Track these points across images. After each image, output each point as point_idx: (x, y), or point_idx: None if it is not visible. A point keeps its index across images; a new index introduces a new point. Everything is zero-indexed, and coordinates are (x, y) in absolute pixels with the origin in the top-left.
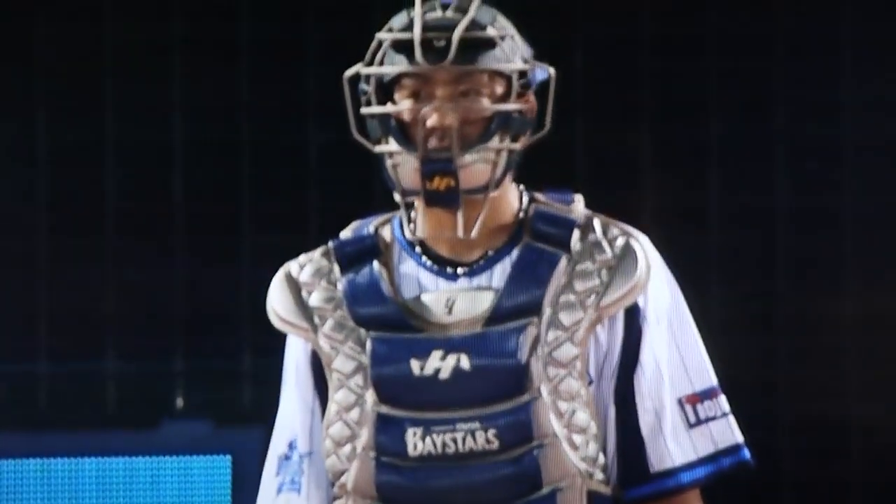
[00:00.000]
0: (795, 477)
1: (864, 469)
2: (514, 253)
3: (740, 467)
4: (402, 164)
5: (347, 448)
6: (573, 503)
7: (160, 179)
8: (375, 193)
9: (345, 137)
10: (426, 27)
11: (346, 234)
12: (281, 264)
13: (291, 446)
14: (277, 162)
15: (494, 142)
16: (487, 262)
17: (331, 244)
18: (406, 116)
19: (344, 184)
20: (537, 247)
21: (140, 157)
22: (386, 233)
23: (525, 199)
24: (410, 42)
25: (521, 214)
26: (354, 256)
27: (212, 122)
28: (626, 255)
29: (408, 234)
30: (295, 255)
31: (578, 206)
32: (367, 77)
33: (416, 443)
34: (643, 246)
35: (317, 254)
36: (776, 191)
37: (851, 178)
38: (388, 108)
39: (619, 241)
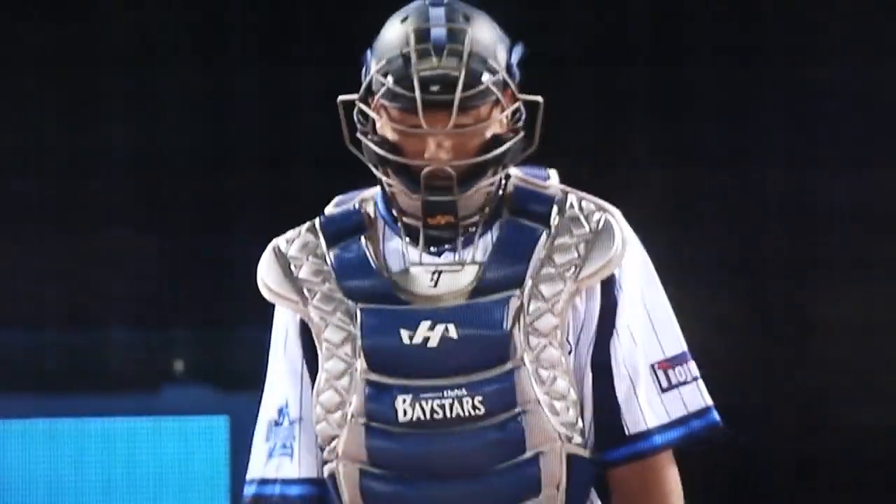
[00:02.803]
0: (790, 473)
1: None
2: (496, 228)
3: (710, 429)
4: (400, 194)
5: (338, 415)
6: (554, 465)
7: (163, 159)
8: (365, 170)
9: (334, 116)
10: (423, 82)
11: (330, 210)
12: (275, 237)
13: (281, 413)
14: (272, 142)
15: (489, 175)
16: (470, 238)
17: (317, 220)
18: (402, 142)
19: (334, 161)
20: (518, 222)
21: (143, 137)
22: (369, 208)
23: (502, 175)
24: (409, 86)
25: (501, 191)
26: (341, 232)
27: (213, 111)
28: (603, 230)
29: (401, 219)
30: (288, 228)
31: (553, 181)
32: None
33: (406, 409)
34: (618, 221)
35: (303, 229)
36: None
37: (854, 175)
38: (391, 155)
39: (596, 216)
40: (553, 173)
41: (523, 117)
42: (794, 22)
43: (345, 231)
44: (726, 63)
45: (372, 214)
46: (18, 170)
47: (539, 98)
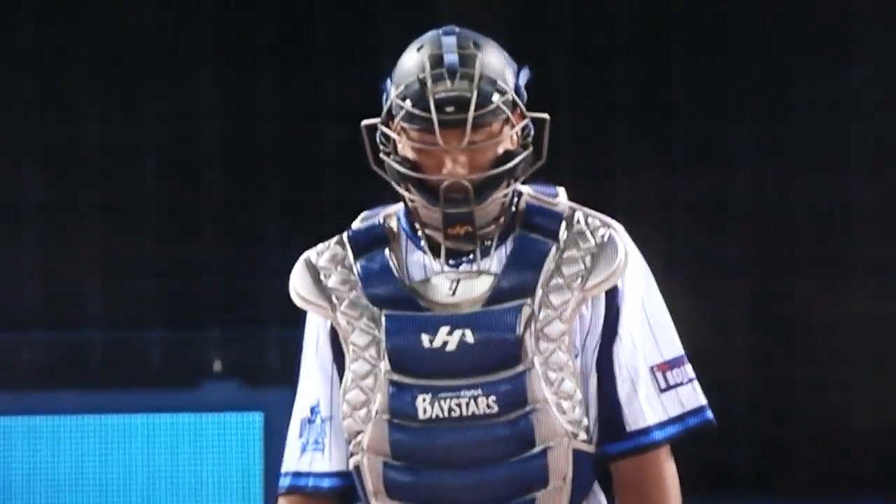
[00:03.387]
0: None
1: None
2: (509, 242)
3: (705, 427)
4: (422, 208)
5: (363, 411)
6: (561, 460)
7: (196, 173)
8: (385, 183)
9: (357, 132)
10: (439, 103)
11: (357, 224)
12: (302, 246)
13: (314, 411)
14: (298, 157)
15: (502, 187)
16: (485, 250)
17: (345, 234)
18: (421, 161)
19: (355, 176)
20: (529, 236)
21: (178, 152)
22: (392, 223)
23: (514, 192)
24: (426, 108)
25: (513, 208)
26: (366, 244)
27: (240, 122)
28: (607, 244)
29: (423, 232)
30: (314, 237)
31: (562, 198)
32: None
33: (426, 407)
34: (621, 235)
35: (332, 242)
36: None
37: (858, 177)
38: (412, 173)
39: (601, 231)
40: (561, 191)
41: (531, 133)
42: (814, 22)
43: (370, 244)
44: (737, 64)
45: (395, 229)
46: (68, 180)
47: (546, 115)
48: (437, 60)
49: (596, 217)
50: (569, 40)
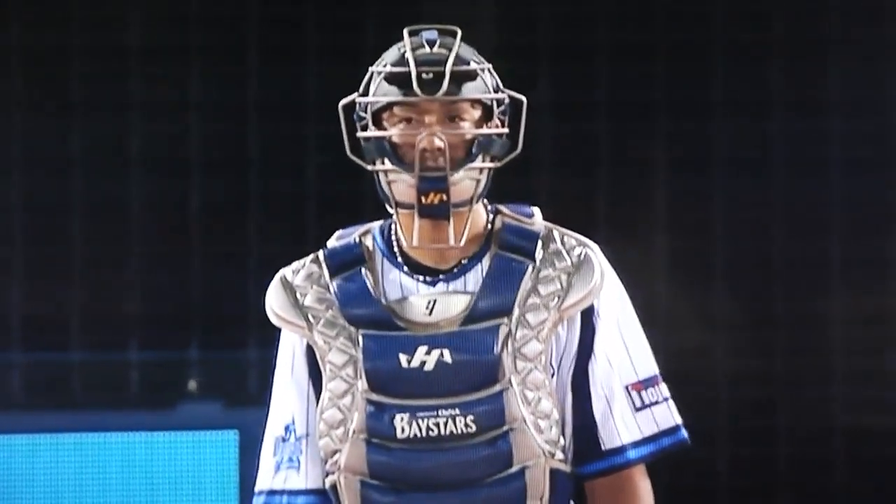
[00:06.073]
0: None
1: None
2: (486, 261)
3: (679, 446)
4: (397, 182)
5: (340, 431)
6: (538, 479)
7: (179, 194)
8: (365, 207)
9: (338, 159)
10: (418, 62)
11: (332, 243)
12: (282, 267)
13: (287, 429)
14: (280, 180)
15: (478, 161)
16: (462, 269)
17: (321, 252)
18: (398, 139)
19: (337, 199)
20: (506, 256)
21: (162, 176)
22: (368, 242)
23: (490, 212)
24: (404, 75)
25: (489, 226)
26: (342, 263)
27: (225, 146)
28: (584, 264)
29: (400, 245)
30: (293, 260)
31: (537, 218)
32: (364, 106)
33: (404, 427)
34: (597, 255)
35: (307, 261)
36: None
37: (839, 183)
38: (388, 132)
39: (577, 251)
40: (537, 211)
41: (507, 114)
42: (799, 22)
43: (346, 263)
44: (734, 64)
45: (371, 247)
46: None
47: (523, 97)
48: (416, 33)
49: (572, 236)
50: (555, 39)
